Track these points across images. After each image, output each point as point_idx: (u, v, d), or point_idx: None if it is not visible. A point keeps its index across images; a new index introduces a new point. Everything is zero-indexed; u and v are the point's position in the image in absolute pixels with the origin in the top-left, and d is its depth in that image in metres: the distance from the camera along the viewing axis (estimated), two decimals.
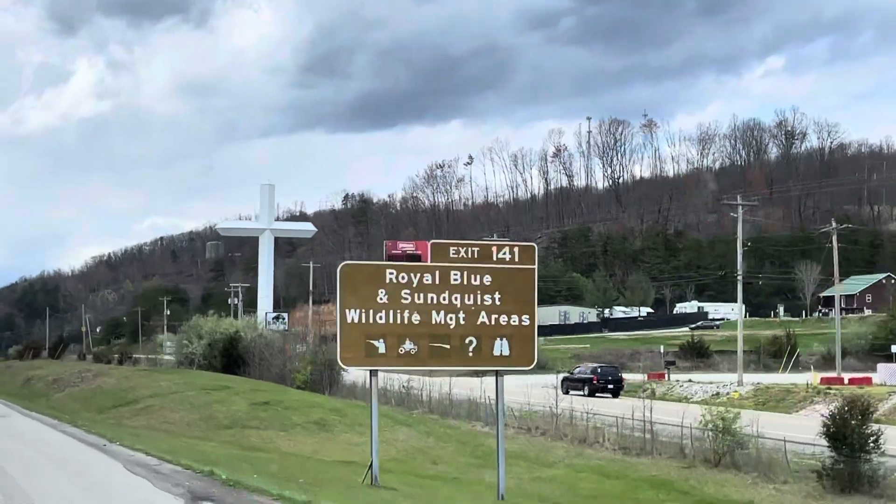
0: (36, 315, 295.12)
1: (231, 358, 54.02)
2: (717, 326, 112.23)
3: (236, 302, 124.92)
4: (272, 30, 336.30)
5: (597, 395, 57.13)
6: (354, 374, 48.34)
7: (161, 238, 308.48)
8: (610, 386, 59.82)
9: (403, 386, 45.36)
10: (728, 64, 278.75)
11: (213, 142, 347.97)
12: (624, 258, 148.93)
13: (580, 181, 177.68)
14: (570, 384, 60.51)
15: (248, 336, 55.36)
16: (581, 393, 57.62)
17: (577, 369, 64.34)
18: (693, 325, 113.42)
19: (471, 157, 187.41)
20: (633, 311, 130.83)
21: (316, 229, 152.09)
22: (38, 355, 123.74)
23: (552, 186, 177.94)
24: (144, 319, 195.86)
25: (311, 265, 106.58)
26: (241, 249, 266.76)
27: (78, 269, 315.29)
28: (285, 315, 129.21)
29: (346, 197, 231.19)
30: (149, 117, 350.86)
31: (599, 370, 62.05)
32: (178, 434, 31.99)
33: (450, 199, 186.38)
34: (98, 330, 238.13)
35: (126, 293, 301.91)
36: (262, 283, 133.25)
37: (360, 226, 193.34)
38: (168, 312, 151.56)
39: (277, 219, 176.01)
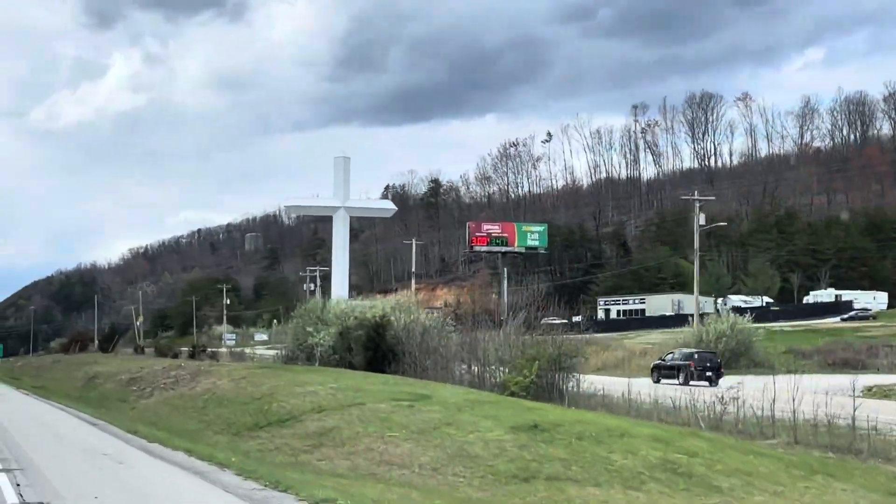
0: (73, 308, 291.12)
1: (378, 351, 38.91)
2: (874, 317, 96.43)
3: (312, 288, 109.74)
4: (307, 23, 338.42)
5: (691, 383, 47.83)
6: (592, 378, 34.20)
7: (199, 230, 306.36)
8: (708, 373, 52.24)
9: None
10: (766, 56, 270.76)
11: (246, 135, 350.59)
12: (730, 242, 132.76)
13: (668, 160, 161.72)
14: (662, 372, 55.72)
15: (402, 321, 40.21)
16: (675, 382, 51.97)
17: (669, 355, 58.12)
18: (845, 316, 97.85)
19: (549, 135, 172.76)
20: (755, 301, 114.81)
21: (396, 208, 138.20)
22: (85, 348, 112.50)
23: (640, 165, 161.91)
24: (193, 313, 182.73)
25: (414, 243, 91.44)
26: (280, 241, 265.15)
27: (114, 262, 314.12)
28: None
29: (387, 188, 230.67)
30: (183, 111, 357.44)
31: (696, 356, 54.93)
32: (440, 492, 17.13)
33: (527, 180, 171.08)
34: (139, 322, 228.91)
35: (165, 285, 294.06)
36: (336, 267, 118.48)
37: (429, 209, 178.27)
38: (228, 301, 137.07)
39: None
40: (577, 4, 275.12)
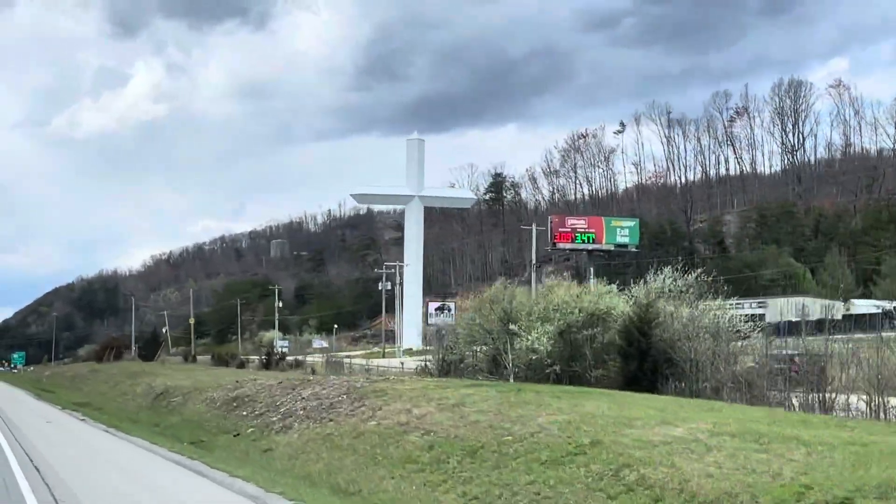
0: (96, 314, 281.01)
1: (645, 361, 24.06)
2: None
3: (389, 287, 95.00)
4: (331, 32, 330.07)
5: None
6: None
7: (222, 236, 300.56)
8: None
9: None
10: (790, 66, 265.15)
11: (268, 144, 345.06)
12: (841, 240, 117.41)
13: (755, 152, 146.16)
14: None
15: (679, 314, 25.33)
16: None
17: None
18: None
19: (622, 125, 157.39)
20: (887, 304, 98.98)
21: (475, 197, 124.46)
22: (121, 356, 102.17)
23: (724, 157, 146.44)
24: (232, 317, 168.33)
25: (534, 227, 77.28)
26: (307, 248, 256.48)
27: (136, 269, 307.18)
28: (451, 305, 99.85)
29: None
30: (204, 120, 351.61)
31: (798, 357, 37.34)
32: None
33: (599, 174, 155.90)
34: (164, 330, 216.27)
35: (191, 291, 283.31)
36: (409, 261, 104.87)
37: (492, 205, 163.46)
38: (280, 304, 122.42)
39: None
40: (600, 14, 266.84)
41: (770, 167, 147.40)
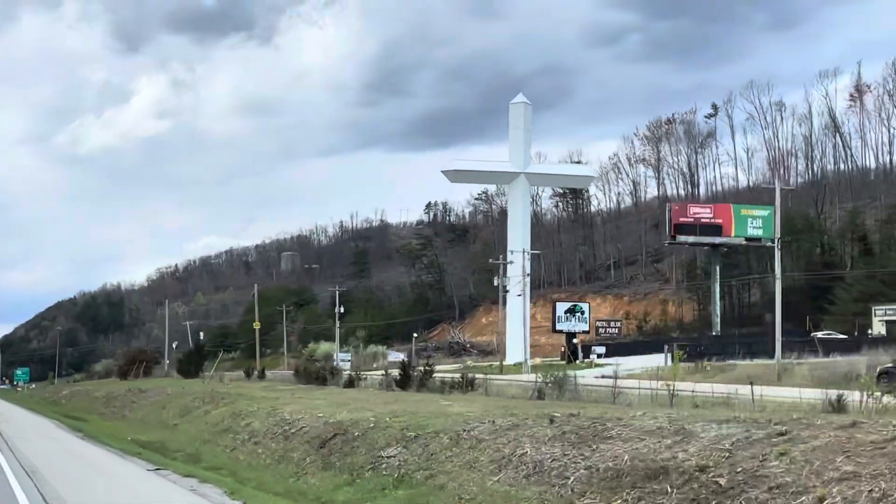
0: (100, 329, 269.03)
1: None
2: None
3: (507, 286, 74.68)
4: (337, 47, 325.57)
5: None
6: None
7: (230, 249, 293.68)
8: None
9: None
10: (797, 81, 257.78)
11: (272, 160, 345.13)
12: None
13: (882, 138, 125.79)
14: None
15: None
16: None
17: None
18: None
19: (714, 108, 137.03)
20: None
21: (594, 175, 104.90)
22: (150, 371, 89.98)
23: (844, 144, 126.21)
24: (267, 328, 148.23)
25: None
26: (319, 260, 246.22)
27: (139, 283, 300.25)
28: (585, 307, 79.85)
29: (429, 206, 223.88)
30: (208, 136, 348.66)
31: None
32: None
33: (694, 162, 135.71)
34: (175, 346, 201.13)
35: (197, 306, 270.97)
36: (513, 247, 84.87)
37: (566, 198, 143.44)
38: (341, 309, 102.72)
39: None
40: (606, 30, 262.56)
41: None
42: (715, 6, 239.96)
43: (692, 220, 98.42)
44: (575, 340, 74.24)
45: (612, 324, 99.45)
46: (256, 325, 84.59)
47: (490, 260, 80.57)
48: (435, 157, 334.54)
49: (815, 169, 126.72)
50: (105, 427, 45.28)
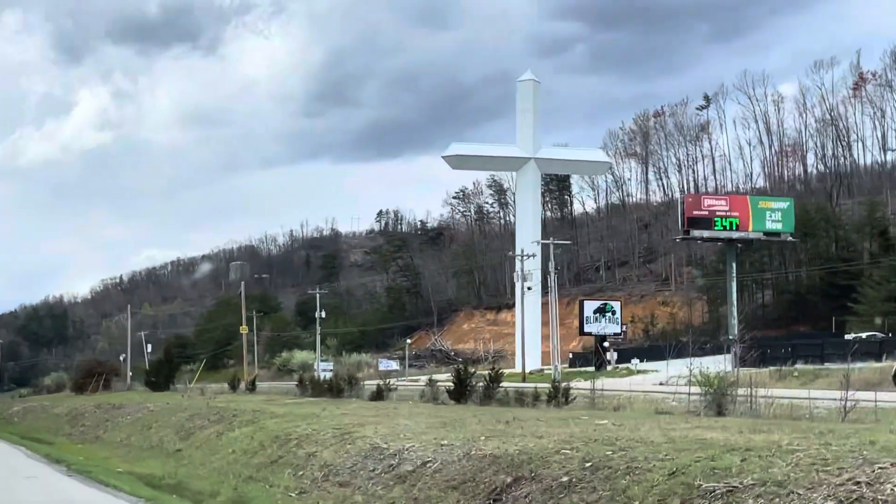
0: (43, 343, 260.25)
1: None
2: None
3: (530, 285, 65.89)
4: (282, 57, 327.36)
5: None
6: None
7: (177, 259, 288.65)
8: None
9: None
10: (742, 90, 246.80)
11: (217, 171, 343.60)
12: None
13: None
14: None
15: None
16: None
17: None
18: None
19: (707, 99, 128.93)
20: None
21: (610, 161, 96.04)
22: (109, 384, 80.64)
23: (851, 136, 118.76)
24: (229, 338, 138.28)
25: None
26: (269, 270, 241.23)
27: (82, 296, 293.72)
28: (615, 306, 71.17)
29: (380, 214, 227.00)
30: (151, 147, 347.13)
31: None
32: None
33: (690, 157, 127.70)
34: (123, 358, 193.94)
35: (144, 317, 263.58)
36: (522, 246, 76.16)
37: (555, 194, 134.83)
38: (322, 314, 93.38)
39: None
40: (552, 40, 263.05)
41: None
42: (660, 17, 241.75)
43: (707, 212, 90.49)
44: (606, 344, 65.63)
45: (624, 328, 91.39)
46: (244, 330, 75.24)
47: (509, 253, 71.30)
48: (383, 167, 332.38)
49: (825, 162, 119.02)
50: (80, 452, 36.03)
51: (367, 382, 47.74)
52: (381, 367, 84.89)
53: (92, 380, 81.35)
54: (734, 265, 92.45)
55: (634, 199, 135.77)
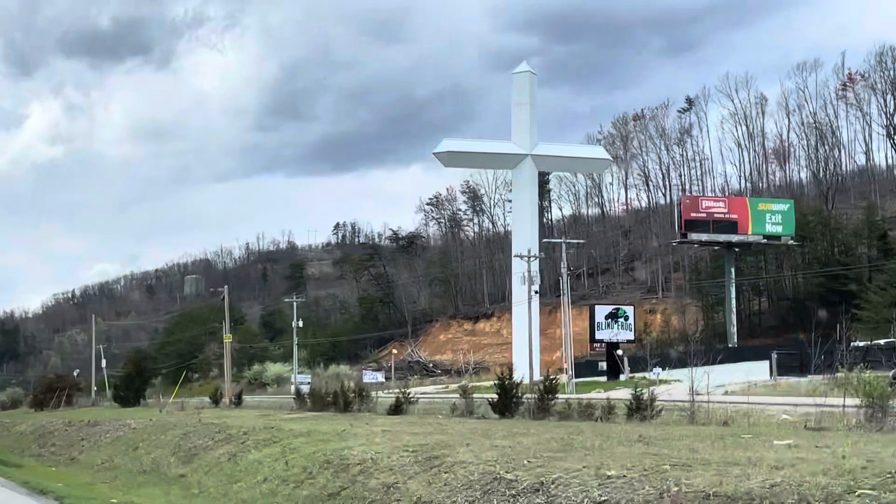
0: None
1: None
2: None
3: (537, 288, 61.16)
4: (236, 71, 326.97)
5: None
6: None
7: (131, 273, 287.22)
8: None
9: None
10: (724, 93, 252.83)
11: (169, 185, 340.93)
12: None
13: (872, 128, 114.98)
14: None
15: None
16: None
17: None
18: None
19: (689, 102, 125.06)
20: None
21: (610, 158, 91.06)
22: (71, 401, 75.35)
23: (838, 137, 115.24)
24: (196, 351, 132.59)
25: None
26: (225, 283, 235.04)
27: (34, 310, 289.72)
28: (628, 311, 66.42)
29: (337, 226, 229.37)
30: (103, 161, 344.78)
31: None
32: None
33: (673, 159, 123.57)
34: (77, 373, 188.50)
35: (98, 332, 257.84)
36: (518, 250, 71.39)
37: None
38: (299, 323, 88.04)
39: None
40: (507, 54, 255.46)
41: None
42: (613, 32, 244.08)
43: (704, 214, 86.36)
44: (619, 352, 60.92)
45: None
46: (227, 339, 69.04)
47: (516, 255, 66.18)
48: (338, 180, 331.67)
49: (811, 166, 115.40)
50: (56, 477, 30.60)
51: (380, 395, 42.65)
52: (366, 380, 79.58)
53: (53, 395, 76.32)
54: (732, 270, 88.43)
55: (615, 205, 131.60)
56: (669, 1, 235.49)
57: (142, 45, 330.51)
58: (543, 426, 24.03)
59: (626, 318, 62.42)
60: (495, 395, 37.38)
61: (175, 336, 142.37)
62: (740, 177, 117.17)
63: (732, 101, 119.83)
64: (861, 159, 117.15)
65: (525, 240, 71.11)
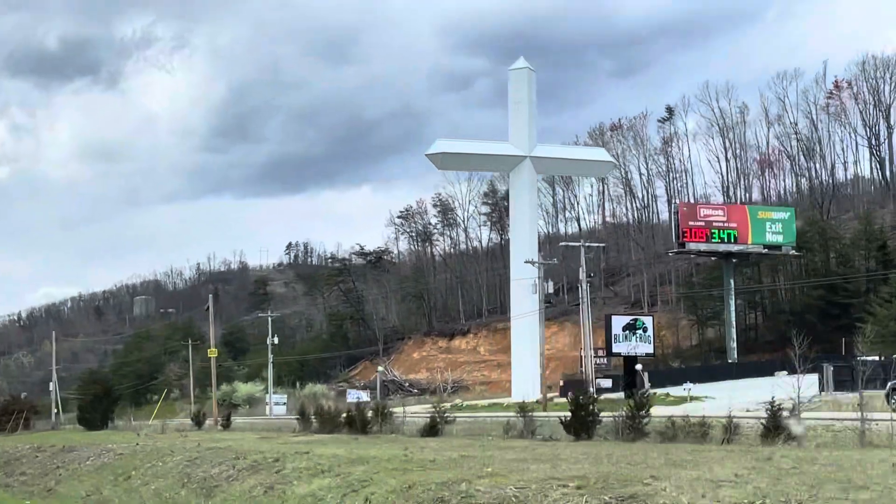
0: None
1: None
2: None
3: (551, 290, 56.56)
4: (185, 91, 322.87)
5: None
6: None
7: (79, 294, 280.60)
8: None
9: None
10: (705, 102, 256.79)
11: (116, 207, 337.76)
12: None
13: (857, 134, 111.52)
14: None
15: None
16: None
17: None
18: None
19: (669, 111, 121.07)
20: None
21: (613, 160, 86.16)
22: (29, 424, 72.39)
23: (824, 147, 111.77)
24: (153, 371, 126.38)
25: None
26: (175, 304, 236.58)
27: None
28: (647, 321, 61.53)
29: (289, 246, 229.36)
30: (49, 182, 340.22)
31: None
32: None
33: (652, 168, 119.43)
34: (24, 396, 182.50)
35: (45, 355, 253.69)
36: (516, 256, 66.66)
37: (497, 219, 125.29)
38: (275, 340, 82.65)
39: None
40: (455, 75, 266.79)
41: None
42: (564, 53, 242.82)
43: (703, 223, 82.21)
44: (638, 367, 56.13)
45: (601, 353, 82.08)
46: (213, 353, 63.33)
47: (525, 261, 61.01)
48: (288, 201, 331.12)
49: (796, 175, 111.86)
50: None
51: (408, 414, 37.50)
52: (350, 399, 74.16)
53: (10, 418, 71.19)
54: (731, 281, 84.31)
55: (592, 218, 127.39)
56: (620, 22, 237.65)
57: (89, 66, 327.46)
58: (666, 450, 19.12)
59: (645, 330, 57.69)
60: (512, 414, 32.78)
61: (133, 356, 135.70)
62: (726, 188, 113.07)
63: (713, 110, 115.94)
64: (845, 169, 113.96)
65: (524, 246, 66.49)
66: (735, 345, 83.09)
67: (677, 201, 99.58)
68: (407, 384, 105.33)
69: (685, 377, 59.42)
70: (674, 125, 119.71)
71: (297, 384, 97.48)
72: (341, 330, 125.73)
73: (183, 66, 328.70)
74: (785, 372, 51.99)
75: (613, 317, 62.34)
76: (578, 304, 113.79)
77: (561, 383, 76.51)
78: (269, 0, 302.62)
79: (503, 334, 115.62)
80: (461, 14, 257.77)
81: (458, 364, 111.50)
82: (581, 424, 25.92)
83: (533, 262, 57.03)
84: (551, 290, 62.42)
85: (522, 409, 29.15)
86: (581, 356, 72.69)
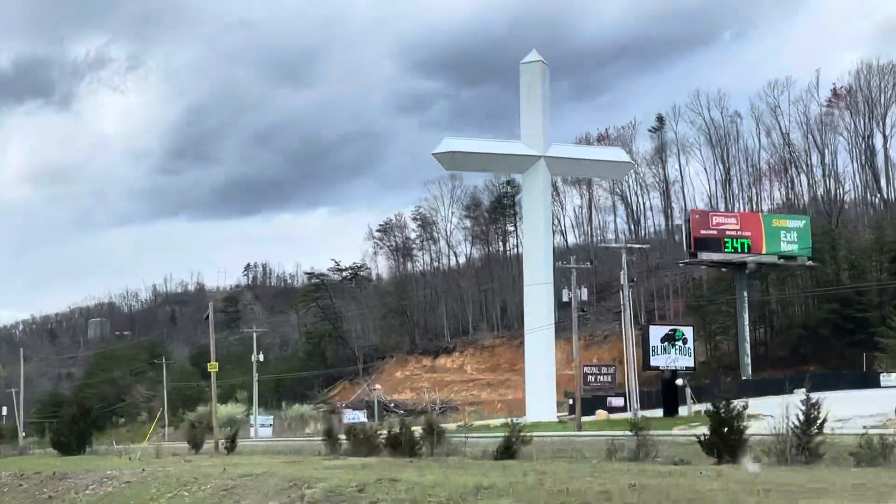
0: None
1: None
2: None
3: (583, 297, 51.21)
4: (139, 113, 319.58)
5: None
6: None
7: (32, 317, 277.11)
8: None
9: None
10: (695, 111, 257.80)
11: (70, 229, 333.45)
12: None
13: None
14: None
15: None
16: None
17: None
18: None
19: (660, 120, 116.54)
20: None
21: (632, 161, 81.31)
22: None
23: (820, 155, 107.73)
24: (120, 392, 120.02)
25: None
26: (131, 326, 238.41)
27: None
28: (687, 332, 56.21)
29: (248, 267, 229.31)
30: (1, 204, 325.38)
31: None
32: None
33: (642, 182, 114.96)
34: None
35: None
36: (529, 265, 61.70)
37: (497, 216, 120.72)
38: (259, 358, 76.83)
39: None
40: (413, 97, 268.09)
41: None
42: (518, 76, 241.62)
43: (716, 232, 77.80)
44: (679, 381, 51.25)
45: (604, 370, 77.45)
46: (213, 368, 57.48)
47: (560, 263, 55.94)
48: (244, 223, 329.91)
49: (792, 186, 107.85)
50: None
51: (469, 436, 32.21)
52: (346, 419, 68.69)
53: None
54: (745, 294, 79.88)
55: (581, 231, 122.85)
56: (577, 43, 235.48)
57: (42, 87, 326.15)
58: None
59: (685, 342, 52.70)
60: (501, 437, 28.03)
61: (95, 378, 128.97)
62: (724, 198, 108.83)
63: (704, 119, 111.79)
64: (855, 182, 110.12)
65: (538, 253, 61.72)
66: (749, 360, 78.64)
67: (681, 210, 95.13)
68: (393, 405, 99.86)
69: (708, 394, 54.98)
70: (665, 134, 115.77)
71: (283, 405, 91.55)
72: (318, 348, 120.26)
73: (137, 87, 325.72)
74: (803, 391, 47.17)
75: (651, 327, 57.46)
76: (569, 322, 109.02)
77: (570, 402, 71.74)
78: (226, 21, 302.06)
79: (490, 352, 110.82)
80: (418, 37, 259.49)
81: (444, 384, 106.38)
82: (727, 445, 20.88)
83: (568, 266, 51.93)
84: (584, 298, 56.00)
85: (636, 426, 23.97)
86: (582, 373, 68.12)
